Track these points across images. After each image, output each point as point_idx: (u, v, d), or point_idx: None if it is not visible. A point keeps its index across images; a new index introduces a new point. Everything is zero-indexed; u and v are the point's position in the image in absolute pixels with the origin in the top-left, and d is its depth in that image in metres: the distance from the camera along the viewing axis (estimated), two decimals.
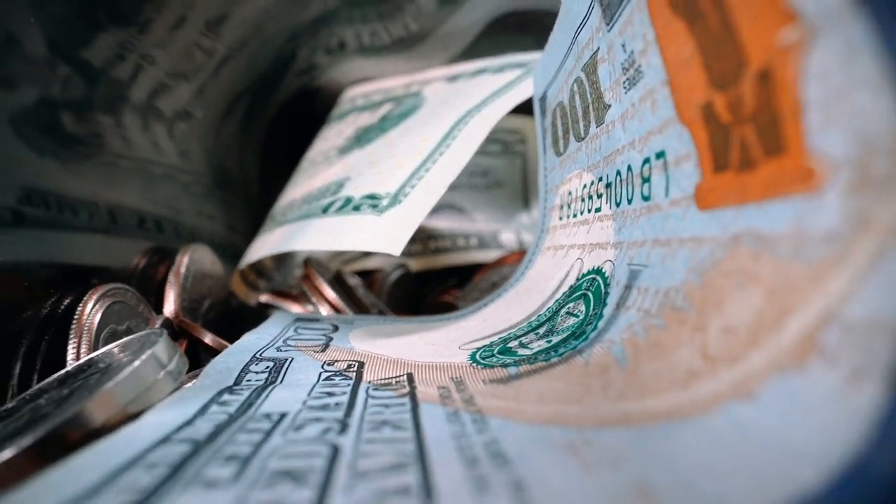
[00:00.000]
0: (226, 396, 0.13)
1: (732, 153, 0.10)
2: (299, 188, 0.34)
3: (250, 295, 0.36)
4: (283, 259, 0.41)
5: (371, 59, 0.45)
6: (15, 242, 0.23)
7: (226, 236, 0.40)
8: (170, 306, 0.26)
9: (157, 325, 0.24)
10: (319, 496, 0.08)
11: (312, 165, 0.37)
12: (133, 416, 0.13)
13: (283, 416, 0.12)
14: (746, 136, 0.10)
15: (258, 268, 0.37)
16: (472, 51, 0.43)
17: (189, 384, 0.15)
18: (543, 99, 0.25)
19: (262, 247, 0.31)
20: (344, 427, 0.11)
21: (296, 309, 0.30)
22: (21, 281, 0.22)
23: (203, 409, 0.12)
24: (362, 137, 0.35)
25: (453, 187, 0.28)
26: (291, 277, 0.41)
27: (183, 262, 0.27)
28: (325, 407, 0.12)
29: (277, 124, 0.49)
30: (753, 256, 0.09)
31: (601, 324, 0.15)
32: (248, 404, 0.13)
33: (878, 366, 0.07)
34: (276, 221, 0.32)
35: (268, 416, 0.12)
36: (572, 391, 0.12)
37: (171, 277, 0.27)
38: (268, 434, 0.11)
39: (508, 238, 0.41)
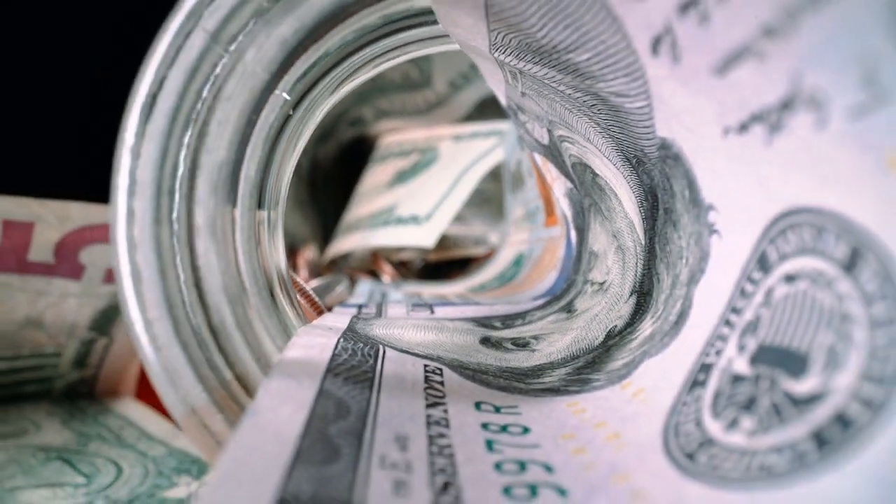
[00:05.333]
0: (370, 301, 0.35)
1: (548, 210, 0.32)
2: (362, 208, 0.56)
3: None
4: (346, 255, 0.62)
5: (401, 118, 0.67)
6: None
7: (310, 239, 0.62)
8: (303, 275, 0.47)
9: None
10: (432, 304, 0.29)
11: (367, 194, 0.59)
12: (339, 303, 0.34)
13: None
14: (547, 205, 0.31)
15: (333, 259, 0.58)
16: (473, 113, 0.65)
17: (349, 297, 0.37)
18: (507, 163, 0.47)
19: (346, 244, 0.52)
20: (426, 302, 0.32)
21: (367, 279, 0.51)
22: None
23: (367, 300, 0.34)
24: (401, 177, 0.56)
25: None
26: (349, 266, 0.62)
27: (307, 251, 0.49)
28: (414, 300, 0.34)
29: (336, 162, 0.71)
30: (553, 242, 0.31)
31: (516, 272, 0.36)
32: (383, 300, 0.34)
33: (565, 258, 0.28)
34: (351, 229, 0.54)
35: (394, 299, 0.33)
36: (499, 293, 0.33)
37: (300, 261, 0.48)
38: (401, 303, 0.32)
39: (493, 239, 0.63)
